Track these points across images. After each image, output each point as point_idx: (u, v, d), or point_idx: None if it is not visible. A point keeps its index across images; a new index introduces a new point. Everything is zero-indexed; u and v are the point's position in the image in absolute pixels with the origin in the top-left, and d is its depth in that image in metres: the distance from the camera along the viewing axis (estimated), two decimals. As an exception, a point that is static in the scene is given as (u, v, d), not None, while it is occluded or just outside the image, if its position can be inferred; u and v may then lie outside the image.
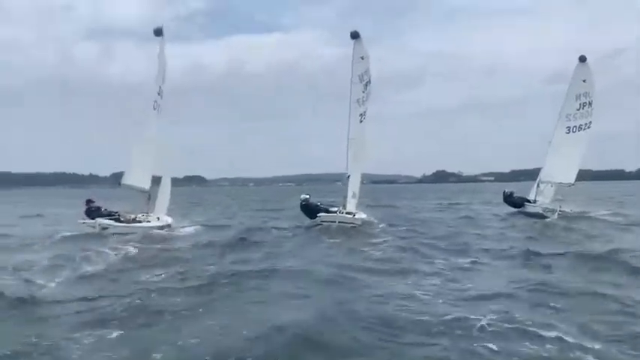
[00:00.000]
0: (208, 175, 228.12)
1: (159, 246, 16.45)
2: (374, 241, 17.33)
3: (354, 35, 22.20)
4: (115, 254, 14.36)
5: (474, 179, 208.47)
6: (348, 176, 22.21)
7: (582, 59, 29.00)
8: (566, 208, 27.74)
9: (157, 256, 14.22)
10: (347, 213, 21.61)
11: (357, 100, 21.93)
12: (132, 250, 15.19)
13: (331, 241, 17.41)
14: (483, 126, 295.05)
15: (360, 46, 22.14)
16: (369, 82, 22.04)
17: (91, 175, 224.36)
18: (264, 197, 66.60)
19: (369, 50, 22.17)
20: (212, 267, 12.36)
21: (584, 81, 28.94)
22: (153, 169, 21.37)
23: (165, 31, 21.71)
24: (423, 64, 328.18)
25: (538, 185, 30.21)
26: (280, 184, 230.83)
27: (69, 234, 18.83)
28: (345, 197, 22.22)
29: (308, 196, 22.65)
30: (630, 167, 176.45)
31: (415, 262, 13.00)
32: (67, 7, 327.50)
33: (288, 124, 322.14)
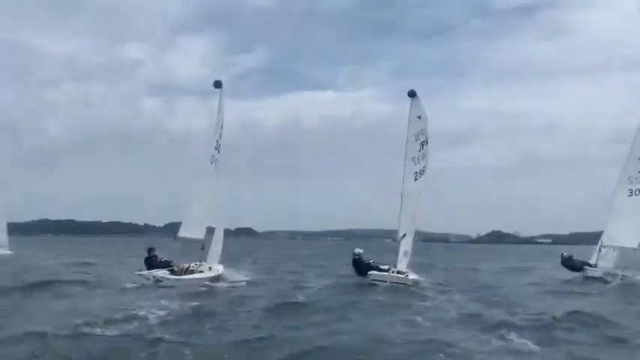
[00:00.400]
0: (258, 228, 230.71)
1: (199, 303, 15.98)
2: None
3: (412, 94, 22.46)
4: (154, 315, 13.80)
5: (531, 241, 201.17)
6: (404, 235, 21.96)
7: None
8: (629, 274, 26.52)
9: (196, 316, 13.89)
10: (398, 272, 21.30)
11: (413, 159, 22.04)
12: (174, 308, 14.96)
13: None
14: (541, 186, 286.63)
15: (417, 105, 22.45)
16: (425, 141, 22.10)
17: (146, 225, 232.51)
18: (315, 251, 66.43)
19: (426, 110, 22.46)
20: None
21: None
22: (207, 220, 22.12)
23: (224, 87, 22.85)
24: (477, 122, 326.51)
25: (600, 249, 28.89)
26: (330, 239, 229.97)
27: (129, 285, 19.60)
28: (397, 256, 21.96)
29: (361, 251, 22.58)
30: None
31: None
32: (137, 63, 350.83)
33: (337, 179, 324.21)
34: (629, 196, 28.33)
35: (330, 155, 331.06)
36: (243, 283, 21.17)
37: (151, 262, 21.25)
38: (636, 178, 28.18)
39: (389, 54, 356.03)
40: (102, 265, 31.78)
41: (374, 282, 20.92)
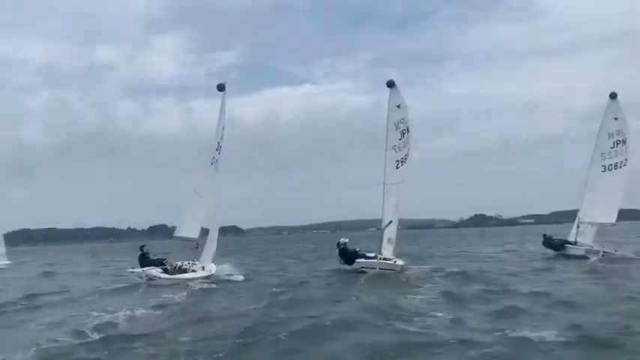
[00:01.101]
0: (244, 225, 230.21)
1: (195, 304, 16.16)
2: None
3: (390, 84, 22.62)
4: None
5: (513, 222, 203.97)
6: (389, 222, 22.30)
7: (612, 96, 28.86)
8: (610, 249, 27.25)
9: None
10: (383, 259, 21.64)
11: (394, 147, 22.19)
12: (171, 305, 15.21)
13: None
14: (520, 167, 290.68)
15: (396, 95, 22.57)
16: (406, 130, 22.30)
17: (129, 229, 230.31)
18: (304, 245, 66.77)
19: (407, 99, 22.61)
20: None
21: (615, 119, 28.72)
22: (204, 221, 22.36)
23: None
24: (457, 108, 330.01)
25: (578, 226, 29.39)
26: (314, 232, 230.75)
27: (120, 285, 19.99)
28: (381, 243, 22.29)
29: (347, 240, 22.86)
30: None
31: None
32: (110, 66, 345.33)
33: (320, 172, 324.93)
34: (603, 171, 28.92)
35: (311, 149, 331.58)
36: (241, 277, 21.30)
37: (145, 260, 21.72)
38: (609, 154, 28.78)
39: (365, 44, 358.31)
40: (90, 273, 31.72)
41: (362, 270, 21.22)
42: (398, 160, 22.16)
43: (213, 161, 22.24)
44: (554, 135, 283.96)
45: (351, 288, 17.48)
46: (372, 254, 22.07)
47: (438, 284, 17.79)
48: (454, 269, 21.79)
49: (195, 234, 22.24)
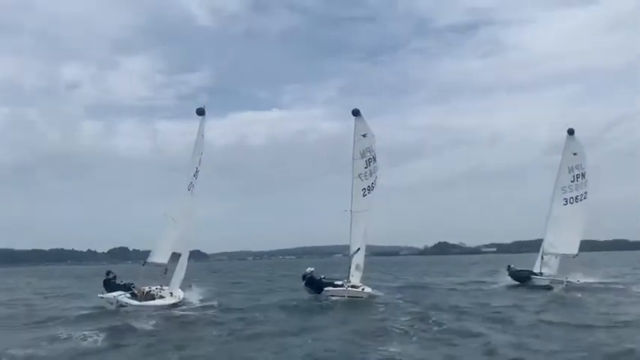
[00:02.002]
0: (208, 250, 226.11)
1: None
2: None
3: (355, 113, 22.79)
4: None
5: (476, 251, 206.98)
6: (358, 249, 22.20)
7: (570, 132, 30.03)
8: (572, 279, 27.81)
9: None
10: (352, 286, 21.50)
11: (360, 176, 22.32)
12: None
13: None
14: (484, 197, 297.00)
15: (362, 124, 22.75)
16: (372, 159, 22.41)
17: (89, 252, 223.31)
18: (270, 271, 65.91)
19: (372, 128, 22.77)
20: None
21: (574, 154, 29.81)
22: (175, 246, 21.97)
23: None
24: (423, 137, 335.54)
25: (542, 257, 30.18)
26: (280, 257, 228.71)
27: (86, 312, 19.47)
28: (349, 270, 22.18)
29: (313, 269, 22.61)
30: (634, 237, 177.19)
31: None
32: (72, 86, 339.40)
33: (286, 198, 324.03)
34: (565, 205, 29.88)
35: (278, 174, 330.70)
36: (215, 304, 20.98)
37: (110, 285, 21.26)
38: (569, 187, 29.79)
39: (335, 73, 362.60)
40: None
41: (331, 297, 21.05)
42: (364, 188, 22.31)
43: (190, 186, 21.86)
44: (516, 166, 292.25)
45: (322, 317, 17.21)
46: (340, 282, 21.92)
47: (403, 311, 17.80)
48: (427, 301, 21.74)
49: (165, 259, 21.92)
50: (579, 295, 23.26)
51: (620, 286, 26.74)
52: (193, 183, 21.89)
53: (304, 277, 22.74)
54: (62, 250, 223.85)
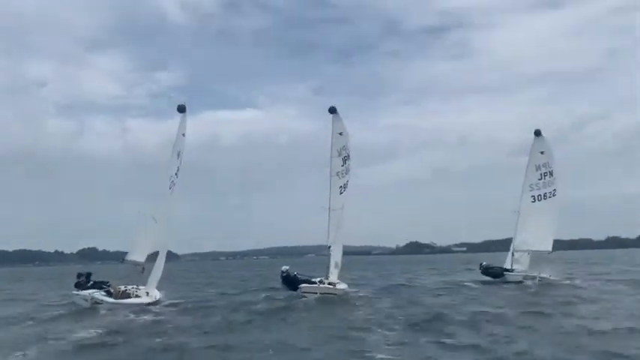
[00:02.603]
0: (179, 250, 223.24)
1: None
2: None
3: (332, 110, 22.97)
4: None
5: (446, 250, 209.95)
6: (329, 247, 22.44)
7: (537, 133, 31.09)
8: (545, 275, 28.74)
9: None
10: (329, 283, 21.72)
11: (337, 174, 22.55)
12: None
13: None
14: (454, 197, 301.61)
15: (339, 122, 23.00)
16: (347, 157, 22.68)
17: (56, 253, 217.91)
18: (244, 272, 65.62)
19: (347, 127, 23.00)
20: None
21: (541, 153, 30.86)
22: (153, 246, 21.78)
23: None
24: (394, 138, 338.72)
25: (512, 254, 30.93)
26: (254, 258, 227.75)
27: (59, 312, 19.15)
28: (328, 267, 22.39)
29: (288, 267, 22.89)
30: (599, 236, 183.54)
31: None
32: (41, 83, 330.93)
33: (259, 198, 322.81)
34: (533, 202, 30.78)
35: (251, 174, 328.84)
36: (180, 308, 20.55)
37: (81, 286, 20.97)
38: (536, 185, 30.74)
39: (308, 73, 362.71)
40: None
41: (304, 294, 21.15)
42: (341, 186, 22.70)
43: (172, 185, 21.58)
44: (485, 167, 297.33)
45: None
46: (317, 279, 22.20)
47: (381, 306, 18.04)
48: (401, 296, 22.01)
49: (143, 258, 21.81)
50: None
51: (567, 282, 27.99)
52: (175, 182, 21.59)
53: (281, 273, 22.94)
54: (28, 251, 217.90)
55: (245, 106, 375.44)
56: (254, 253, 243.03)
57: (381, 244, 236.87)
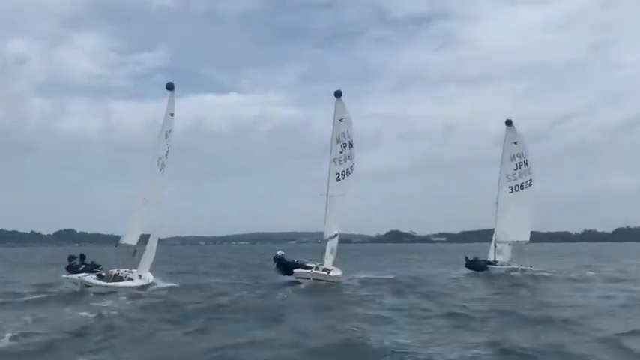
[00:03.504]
0: (160, 234, 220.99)
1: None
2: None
3: (337, 94, 22.82)
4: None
5: (426, 239, 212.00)
6: (335, 234, 22.43)
7: (508, 123, 31.52)
8: (526, 266, 29.33)
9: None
10: (323, 269, 21.91)
11: (335, 160, 22.51)
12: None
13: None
14: (435, 186, 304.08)
15: (341, 107, 22.77)
16: (347, 144, 22.54)
17: (33, 233, 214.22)
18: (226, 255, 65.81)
19: (350, 112, 22.63)
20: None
21: (515, 143, 31.27)
22: (144, 228, 21.55)
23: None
24: (380, 126, 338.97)
25: (495, 245, 31.39)
26: (233, 243, 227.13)
27: (44, 295, 18.57)
28: (324, 254, 22.57)
29: (283, 253, 22.93)
30: (576, 230, 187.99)
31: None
32: (20, 61, 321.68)
33: (241, 183, 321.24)
34: (511, 192, 31.25)
35: (234, 159, 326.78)
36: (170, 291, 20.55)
37: (73, 269, 20.42)
38: (513, 176, 31.15)
39: (294, 58, 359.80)
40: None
41: (297, 280, 21.36)
42: (338, 173, 22.44)
43: (162, 167, 21.29)
44: (467, 158, 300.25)
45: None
46: (312, 265, 22.25)
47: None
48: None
49: (135, 240, 21.54)
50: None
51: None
52: (165, 163, 21.31)
53: (275, 258, 22.97)
54: (2, 230, 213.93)
55: (230, 90, 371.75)
56: (234, 239, 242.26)
57: (362, 233, 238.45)
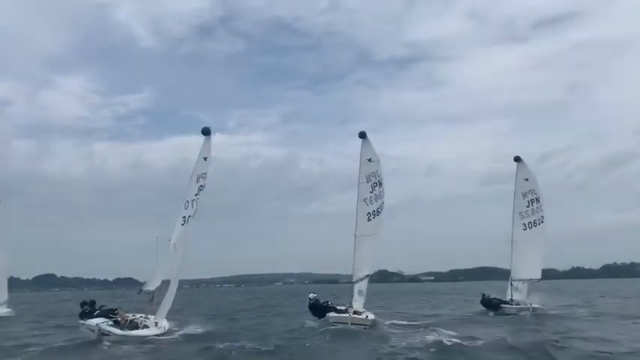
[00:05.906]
0: (141, 277, 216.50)
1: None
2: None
3: (362, 135, 22.96)
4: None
5: (415, 279, 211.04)
6: (367, 275, 22.42)
7: (517, 159, 31.58)
8: (538, 305, 29.15)
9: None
10: (354, 312, 21.55)
11: (364, 200, 22.48)
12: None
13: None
14: (422, 225, 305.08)
15: (368, 147, 22.92)
16: (377, 183, 22.60)
17: (11, 278, 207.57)
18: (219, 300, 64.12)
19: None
20: None
21: (526, 179, 31.26)
22: (167, 273, 21.04)
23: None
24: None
25: (511, 284, 31.12)
26: (218, 286, 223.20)
27: (63, 344, 18.08)
28: (352, 296, 22.30)
29: (316, 295, 22.79)
30: (563, 267, 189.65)
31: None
32: (6, 102, 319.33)
33: (225, 225, 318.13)
34: (524, 230, 31.04)
35: (218, 200, 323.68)
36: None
37: (87, 315, 19.99)
38: (526, 213, 31.06)
39: (279, 100, 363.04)
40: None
41: (334, 324, 20.94)
42: (369, 213, 22.39)
43: (194, 212, 20.79)
44: (454, 196, 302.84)
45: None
46: (343, 307, 22.03)
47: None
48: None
49: (154, 286, 21.13)
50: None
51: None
52: (196, 208, 20.80)
53: (309, 300, 23.01)
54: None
55: (215, 131, 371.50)
56: (219, 281, 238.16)
57: (349, 272, 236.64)
